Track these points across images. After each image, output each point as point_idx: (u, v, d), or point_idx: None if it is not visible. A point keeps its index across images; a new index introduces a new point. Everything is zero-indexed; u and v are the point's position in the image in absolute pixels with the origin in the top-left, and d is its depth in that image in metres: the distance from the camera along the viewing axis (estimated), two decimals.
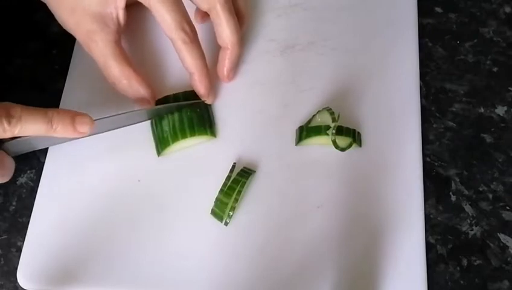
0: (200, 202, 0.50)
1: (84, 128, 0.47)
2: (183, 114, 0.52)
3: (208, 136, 0.52)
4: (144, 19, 0.57)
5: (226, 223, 0.49)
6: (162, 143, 0.52)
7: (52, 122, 0.45)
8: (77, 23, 0.50)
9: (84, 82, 0.56)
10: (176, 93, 0.54)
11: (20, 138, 0.47)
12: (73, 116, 0.46)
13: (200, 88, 0.52)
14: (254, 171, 0.51)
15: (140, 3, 0.49)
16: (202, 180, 0.51)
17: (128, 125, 0.51)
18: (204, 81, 0.52)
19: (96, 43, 0.50)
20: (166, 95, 0.54)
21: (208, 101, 0.53)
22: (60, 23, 0.52)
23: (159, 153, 0.52)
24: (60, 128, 0.45)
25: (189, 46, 0.50)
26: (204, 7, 0.51)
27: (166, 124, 0.52)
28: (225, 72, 0.54)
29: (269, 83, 0.56)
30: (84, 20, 0.50)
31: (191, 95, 0.53)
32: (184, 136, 0.51)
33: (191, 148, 0.52)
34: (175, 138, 0.51)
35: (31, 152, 0.54)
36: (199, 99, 0.53)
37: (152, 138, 0.53)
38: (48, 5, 0.52)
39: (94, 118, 0.48)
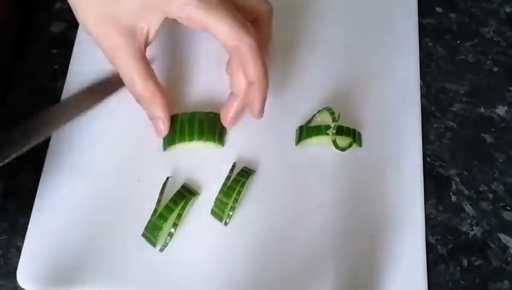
0: (200, 202, 0.50)
1: None
2: (196, 116, 0.52)
3: (215, 143, 0.52)
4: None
5: (226, 223, 0.49)
6: (168, 140, 0.52)
7: None
8: (104, 33, 0.47)
9: (84, 82, 0.56)
10: (193, 112, 0.52)
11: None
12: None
13: (257, 100, 0.48)
14: (254, 171, 0.51)
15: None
16: (202, 180, 0.51)
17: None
18: (263, 92, 0.48)
19: (122, 58, 0.48)
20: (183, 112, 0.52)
21: (258, 117, 0.50)
22: (85, 30, 0.49)
23: (164, 148, 0.52)
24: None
25: (254, 52, 0.46)
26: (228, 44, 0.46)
27: (176, 123, 0.51)
28: (258, 109, 0.50)
29: (269, 83, 0.55)
30: (113, 32, 0.46)
31: (209, 116, 0.52)
32: (191, 139, 0.51)
33: (190, 148, 0.52)
34: (182, 138, 0.51)
35: (30, 152, 0.54)
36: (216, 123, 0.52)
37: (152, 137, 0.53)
38: (74, 11, 0.48)
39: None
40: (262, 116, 0.51)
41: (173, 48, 0.57)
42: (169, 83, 0.55)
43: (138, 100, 0.50)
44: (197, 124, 0.51)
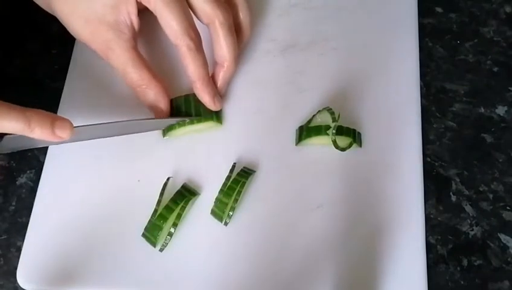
0: (200, 202, 0.50)
1: (63, 133, 0.44)
2: (190, 98, 0.53)
3: (214, 122, 0.52)
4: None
5: (226, 223, 0.49)
6: (168, 126, 0.52)
7: (30, 122, 0.43)
8: (92, 34, 0.50)
9: (84, 82, 0.56)
10: (186, 95, 0.53)
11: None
12: (54, 119, 0.44)
13: (204, 96, 0.51)
14: (254, 171, 0.51)
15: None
16: (202, 180, 0.51)
17: (127, 134, 0.51)
18: (206, 89, 0.51)
19: (113, 51, 0.50)
20: (177, 96, 0.53)
21: (214, 108, 0.52)
22: (74, 35, 0.52)
23: (164, 134, 0.52)
24: (37, 130, 0.43)
25: (193, 53, 0.49)
26: (204, 21, 0.51)
27: (172, 108, 0.52)
28: (217, 88, 0.53)
29: (269, 83, 0.56)
30: (100, 30, 0.49)
31: None
32: (190, 120, 0.52)
33: (190, 148, 0.52)
34: (181, 121, 0.52)
35: (30, 152, 0.54)
36: None
37: (153, 138, 0.53)
38: (59, 18, 0.51)
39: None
40: (221, 96, 0.53)
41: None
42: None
43: (136, 90, 0.51)
44: (192, 104, 0.52)
